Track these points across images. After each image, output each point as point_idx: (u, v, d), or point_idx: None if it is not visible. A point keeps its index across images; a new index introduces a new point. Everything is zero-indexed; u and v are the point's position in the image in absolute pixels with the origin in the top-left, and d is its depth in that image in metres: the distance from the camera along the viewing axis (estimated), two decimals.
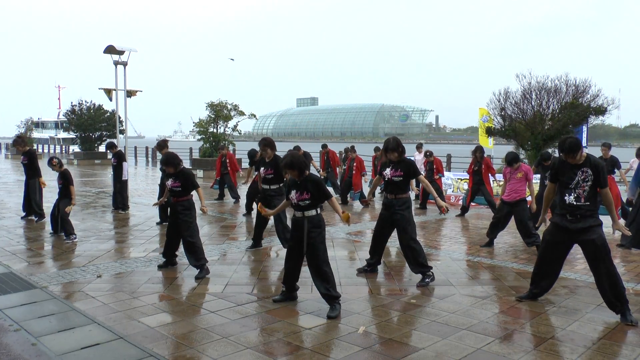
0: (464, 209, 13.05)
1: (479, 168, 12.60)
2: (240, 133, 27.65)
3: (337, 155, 17.98)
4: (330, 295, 5.67)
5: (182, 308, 5.90)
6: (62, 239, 9.44)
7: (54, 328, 5.21)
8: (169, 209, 7.77)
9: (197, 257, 7.20)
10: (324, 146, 17.54)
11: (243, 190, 14.87)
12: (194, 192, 7.44)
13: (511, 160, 8.97)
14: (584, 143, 18.30)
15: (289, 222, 7.83)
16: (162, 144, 11.09)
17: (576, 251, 7.16)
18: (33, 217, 11.60)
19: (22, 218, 11.73)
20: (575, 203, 5.59)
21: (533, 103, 18.48)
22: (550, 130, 17.64)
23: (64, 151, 52.68)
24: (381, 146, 14.76)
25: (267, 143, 8.69)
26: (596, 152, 11.09)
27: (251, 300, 6.12)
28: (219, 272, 7.35)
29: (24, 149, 11.99)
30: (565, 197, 5.65)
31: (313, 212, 5.74)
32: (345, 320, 5.50)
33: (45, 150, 55.10)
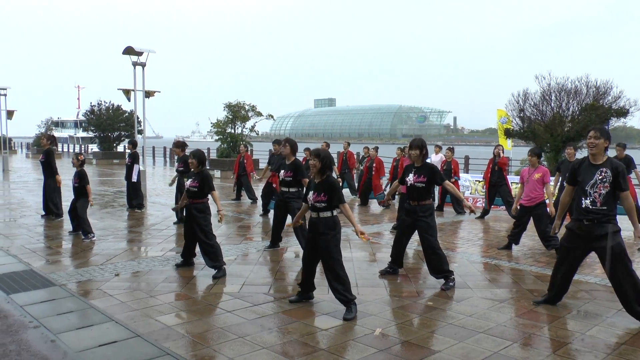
0: (485, 212, 12.96)
1: (499, 167, 12.50)
2: (257, 134, 27.71)
3: (355, 156, 17.95)
4: (344, 298, 5.65)
5: (198, 307, 5.92)
6: (80, 238, 9.53)
7: (73, 325, 5.26)
8: (184, 210, 7.80)
9: (213, 258, 7.22)
10: (348, 144, 17.56)
11: (259, 192, 14.88)
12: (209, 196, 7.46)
13: (535, 153, 8.92)
14: None
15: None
16: (181, 145, 11.29)
17: (595, 254, 7.07)
18: (51, 216, 11.73)
19: (42, 217, 11.86)
20: (591, 207, 5.48)
21: (552, 104, 18.28)
22: (569, 132, 17.44)
23: (82, 150, 53.18)
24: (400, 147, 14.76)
25: (288, 141, 8.67)
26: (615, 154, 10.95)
27: (267, 301, 6.12)
28: (235, 272, 7.37)
29: (45, 146, 12.10)
30: (582, 201, 5.54)
31: (328, 214, 5.71)
32: (361, 321, 5.48)
33: (65, 149, 55.68)
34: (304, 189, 8.27)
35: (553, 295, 6.06)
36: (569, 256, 5.82)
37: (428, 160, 7.21)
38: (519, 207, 9.03)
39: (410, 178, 6.87)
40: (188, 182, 7.38)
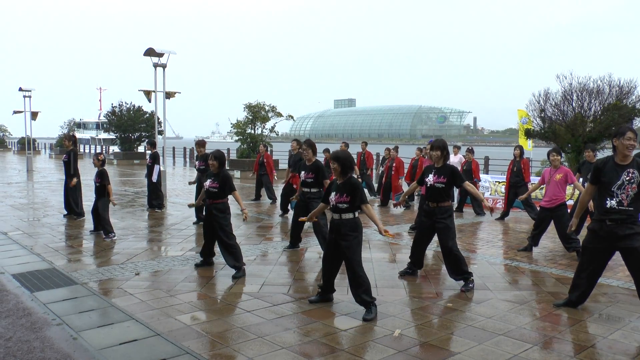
0: (504, 213, 12.83)
1: (518, 169, 12.37)
2: (277, 134, 27.78)
3: (374, 156, 17.88)
4: (364, 300, 5.64)
5: (218, 307, 5.96)
6: (101, 237, 9.64)
7: (94, 323, 5.33)
8: (204, 209, 7.85)
9: (234, 257, 7.24)
10: (365, 144, 17.54)
11: (278, 191, 14.92)
12: (229, 196, 7.50)
13: (558, 151, 8.92)
14: None
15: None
16: (201, 143, 11.71)
17: (618, 257, 6.98)
18: (73, 216, 11.89)
19: (64, 216, 12.02)
20: (617, 207, 5.39)
21: (574, 104, 18.05)
22: (591, 132, 17.20)
23: (104, 151, 53.78)
24: (418, 147, 14.70)
25: (309, 144, 8.80)
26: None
27: (287, 301, 6.14)
28: (255, 272, 7.39)
29: (68, 147, 12.26)
30: (607, 201, 5.44)
31: (350, 216, 5.72)
32: (381, 322, 5.47)
33: (87, 150, 56.32)
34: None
35: (576, 298, 5.97)
36: (592, 258, 5.73)
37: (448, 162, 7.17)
38: (538, 208, 9.00)
39: (430, 178, 6.82)
40: (207, 183, 7.40)
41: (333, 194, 5.74)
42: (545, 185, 8.91)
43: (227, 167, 24.56)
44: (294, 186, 11.82)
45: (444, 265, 7.48)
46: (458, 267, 6.74)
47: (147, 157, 14.01)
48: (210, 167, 7.52)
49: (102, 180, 9.86)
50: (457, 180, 6.84)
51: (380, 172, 17.10)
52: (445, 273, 7.38)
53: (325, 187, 8.40)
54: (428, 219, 6.96)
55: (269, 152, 20.76)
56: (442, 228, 6.81)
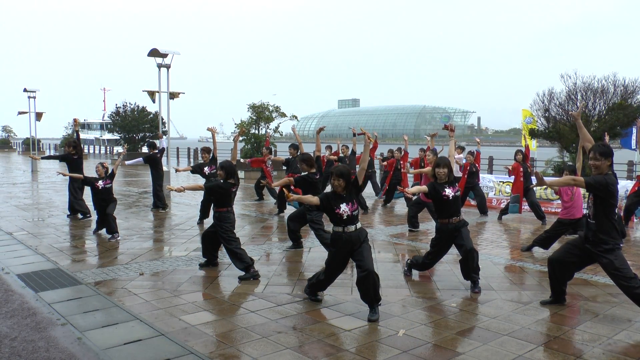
0: (503, 212, 12.73)
1: (527, 172, 12.25)
2: (281, 134, 27.78)
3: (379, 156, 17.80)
4: (374, 299, 5.60)
5: (222, 307, 5.96)
6: (105, 237, 9.65)
7: (98, 323, 5.34)
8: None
9: (238, 260, 7.19)
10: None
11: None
12: (233, 204, 7.54)
13: (572, 170, 8.65)
14: (633, 145, 17.75)
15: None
16: (209, 149, 12.09)
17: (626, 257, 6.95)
18: (79, 215, 11.93)
19: (67, 216, 12.05)
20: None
21: (578, 104, 18.00)
22: (596, 132, 17.14)
23: (107, 152, 53.86)
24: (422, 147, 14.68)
25: (303, 159, 8.65)
26: None
27: (291, 301, 6.14)
28: (259, 272, 7.38)
29: (70, 152, 12.29)
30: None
31: (360, 224, 5.77)
32: (384, 322, 5.46)
33: (91, 151, 56.37)
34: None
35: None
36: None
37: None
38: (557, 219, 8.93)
39: (449, 192, 6.73)
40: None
41: (343, 205, 5.65)
42: (567, 200, 8.70)
43: None
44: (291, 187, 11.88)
45: (445, 265, 7.47)
46: (475, 269, 6.69)
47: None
48: (219, 176, 7.57)
49: (111, 181, 10.01)
50: (456, 180, 7.07)
51: (384, 172, 17.04)
52: (448, 273, 7.38)
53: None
54: (450, 236, 6.82)
55: (270, 164, 20.72)
56: (465, 233, 6.75)
